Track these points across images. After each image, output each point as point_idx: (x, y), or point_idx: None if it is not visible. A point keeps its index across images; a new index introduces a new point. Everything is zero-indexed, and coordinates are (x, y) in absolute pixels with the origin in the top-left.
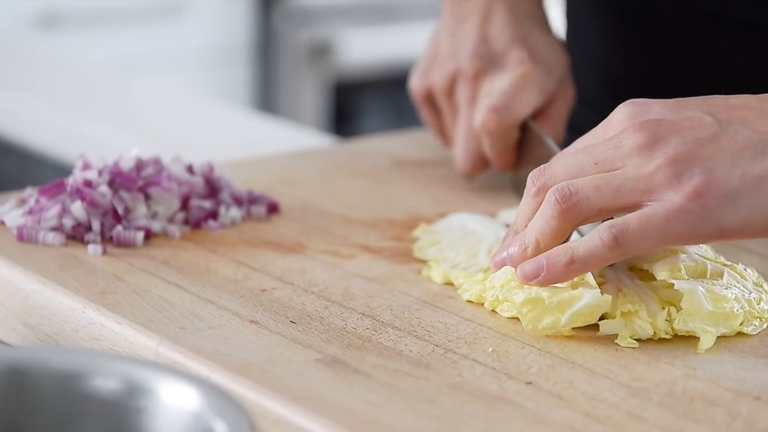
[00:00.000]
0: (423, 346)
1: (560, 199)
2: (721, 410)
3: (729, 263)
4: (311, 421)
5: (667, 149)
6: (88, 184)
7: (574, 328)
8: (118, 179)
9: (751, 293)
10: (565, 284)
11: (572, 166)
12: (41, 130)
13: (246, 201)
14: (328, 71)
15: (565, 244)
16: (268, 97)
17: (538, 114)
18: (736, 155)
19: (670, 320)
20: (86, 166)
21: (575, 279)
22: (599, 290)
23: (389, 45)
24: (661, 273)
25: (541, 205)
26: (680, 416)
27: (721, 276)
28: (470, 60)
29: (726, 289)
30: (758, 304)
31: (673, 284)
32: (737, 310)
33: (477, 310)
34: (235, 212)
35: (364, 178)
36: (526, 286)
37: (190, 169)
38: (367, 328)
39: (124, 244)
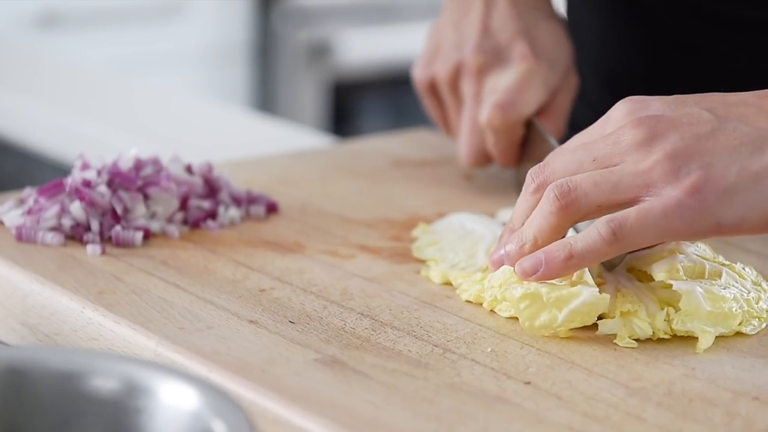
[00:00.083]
0: (422, 346)
1: (559, 195)
2: (720, 410)
3: (727, 263)
4: (310, 421)
5: (665, 145)
6: (87, 184)
7: (572, 329)
8: (117, 179)
9: (749, 293)
10: (563, 282)
11: (571, 162)
12: (40, 130)
13: (245, 201)
14: (327, 71)
15: (563, 239)
16: (267, 97)
17: (540, 109)
18: (734, 151)
19: (668, 320)
20: (85, 166)
21: (574, 278)
22: (597, 289)
23: (388, 45)
24: (659, 274)
25: (539, 202)
26: (679, 416)
27: (720, 276)
28: (474, 55)
29: (724, 289)
30: (757, 303)
31: (672, 285)
32: (736, 310)
33: (476, 310)
34: (234, 212)
35: (363, 178)
36: (524, 283)
37: (189, 169)
38: (366, 328)
39: (123, 244)
